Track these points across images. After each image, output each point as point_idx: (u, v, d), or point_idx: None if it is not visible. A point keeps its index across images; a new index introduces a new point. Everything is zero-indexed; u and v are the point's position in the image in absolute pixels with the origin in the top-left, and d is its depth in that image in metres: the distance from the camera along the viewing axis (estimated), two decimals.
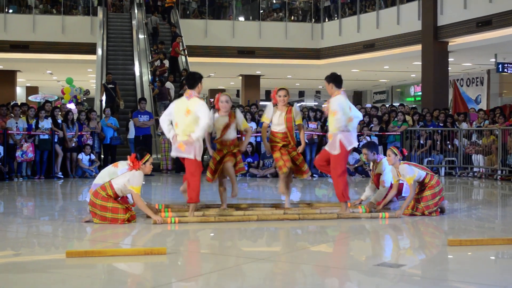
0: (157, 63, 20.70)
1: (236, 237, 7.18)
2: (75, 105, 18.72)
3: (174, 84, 19.94)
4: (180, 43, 21.94)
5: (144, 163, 7.65)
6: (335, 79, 8.26)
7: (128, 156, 7.72)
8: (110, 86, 17.97)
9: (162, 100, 19.13)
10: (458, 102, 19.31)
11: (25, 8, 26.55)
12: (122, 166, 8.03)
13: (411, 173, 8.05)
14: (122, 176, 7.61)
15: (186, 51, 22.58)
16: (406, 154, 8.76)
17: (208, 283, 4.93)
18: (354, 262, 5.91)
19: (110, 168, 8.24)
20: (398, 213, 8.12)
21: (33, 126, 14.65)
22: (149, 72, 20.91)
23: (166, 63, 20.87)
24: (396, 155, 8.26)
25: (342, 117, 8.01)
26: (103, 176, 8.07)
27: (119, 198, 7.60)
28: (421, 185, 8.24)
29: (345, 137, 8.05)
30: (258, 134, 16.27)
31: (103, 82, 18.85)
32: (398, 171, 8.20)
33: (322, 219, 8.04)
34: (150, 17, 24.24)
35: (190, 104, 7.84)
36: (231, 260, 5.82)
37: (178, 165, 15.84)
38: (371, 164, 9.06)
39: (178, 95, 18.33)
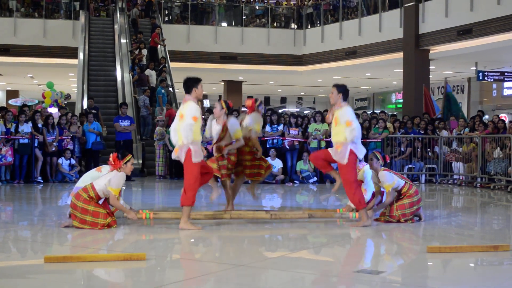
0: (137, 51, 21.46)
1: (216, 244, 7.16)
2: (59, 109, 18.48)
3: (153, 72, 20.62)
4: (159, 34, 22.58)
5: (125, 163, 7.66)
6: (345, 91, 8.16)
7: (110, 155, 7.72)
8: (93, 111, 17.64)
9: (141, 86, 19.78)
10: (429, 107, 19.52)
11: (6, 11, 26.32)
12: (105, 170, 7.99)
13: (390, 180, 8.07)
14: (103, 177, 7.59)
15: (165, 41, 23.00)
16: (389, 161, 8.77)
17: None
18: (333, 268, 5.92)
19: (93, 173, 8.17)
20: (369, 212, 8.15)
21: (13, 130, 14.52)
22: (129, 60, 21.45)
23: (144, 51, 21.58)
24: (378, 160, 8.27)
25: (357, 127, 7.94)
26: (86, 180, 7.99)
27: (101, 202, 7.56)
28: (399, 194, 8.26)
29: (355, 148, 7.94)
30: None
31: (84, 108, 18.53)
32: (378, 177, 8.21)
33: (294, 219, 8.08)
34: (131, 10, 25.06)
35: (183, 108, 7.78)
36: (210, 266, 5.80)
37: (176, 169, 15.85)
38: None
39: (160, 81, 19.30)
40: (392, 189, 8.09)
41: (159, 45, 22.47)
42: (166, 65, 21.28)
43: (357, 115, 18.05)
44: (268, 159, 15.53)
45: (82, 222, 7.39)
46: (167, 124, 16.84)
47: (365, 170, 8.73)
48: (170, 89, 20.44)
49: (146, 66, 20.81)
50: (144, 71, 20.30)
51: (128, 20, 24.48)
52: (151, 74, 20.37)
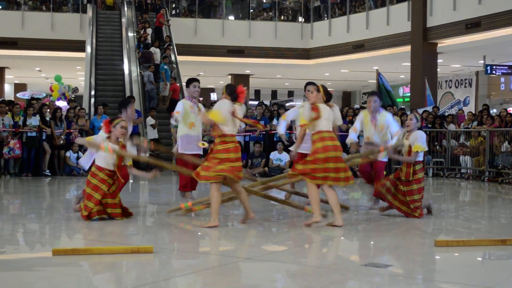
0: (142, 31, 22.20)
1: (224, 236, 7.17)
2: (68, 103, 18.50)
3: (157, 50, 21.30)
4: (164, 15, 23.20)
5: (114, 126, 7.71)
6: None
7: (103, 120, 7.91)
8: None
9: (145, 62, 20.69)
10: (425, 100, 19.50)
11: (14, 4, 26.41)
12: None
13: (424, 144, 7.94)
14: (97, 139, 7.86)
15: (169, 21, 23.61)
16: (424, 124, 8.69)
17: (194, 282, 4.92)
18: (341, 261, 5.92)
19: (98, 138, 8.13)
20: (389, 146, 8.15)
21: (21, 123, 14.56)
22: (135, 39, 22.22)
23: (149, 30, 22.31)
24: (417, 121, 8.18)
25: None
26: (97, 139, 8.04)
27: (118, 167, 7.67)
28: (408, 179, 8.07)
29: None
30: (246, 134, 16.28)
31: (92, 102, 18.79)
32: (415, 136, 8.02)
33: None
34: None
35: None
36: (217, 259, 5.81)
37: None
38: (370, 116, 8.89)
39: (163, 57, 20.20)
40: (419, 152, 7.95)
41: (164, 25, 22.97)
42: (171, 43, 21.83)
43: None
44: (275, 152, 15.57)
45: (83, 193, 7.65)
46: (171, 98, 18.49)
47: (387, 114, 8.73)
48: (174, 65, 20.97)
49: (151, 44, 21.51)
50: (149, 48, 21.14)
51: (134, 2, 24.99)
52: (156, 51, 21.11)
